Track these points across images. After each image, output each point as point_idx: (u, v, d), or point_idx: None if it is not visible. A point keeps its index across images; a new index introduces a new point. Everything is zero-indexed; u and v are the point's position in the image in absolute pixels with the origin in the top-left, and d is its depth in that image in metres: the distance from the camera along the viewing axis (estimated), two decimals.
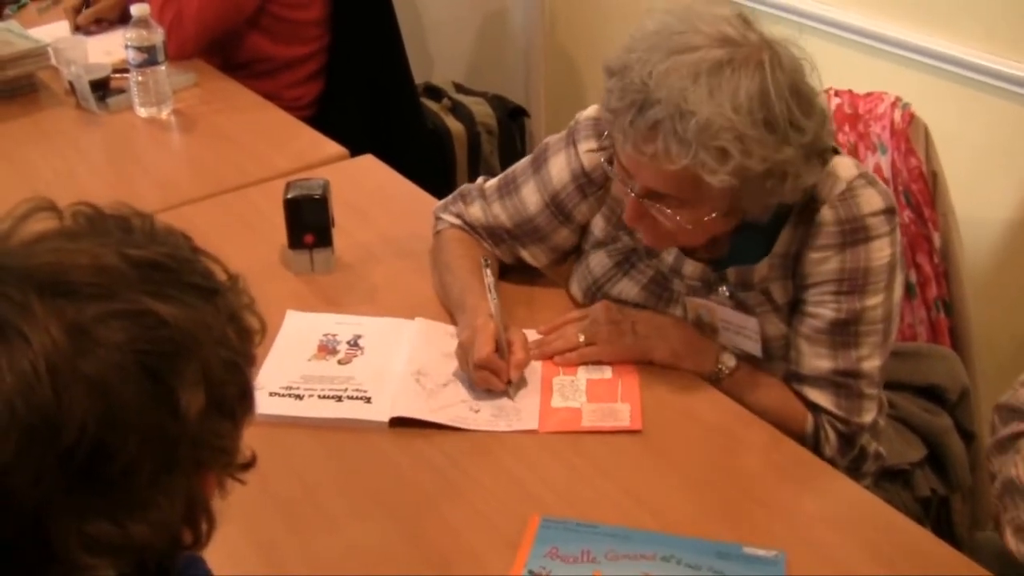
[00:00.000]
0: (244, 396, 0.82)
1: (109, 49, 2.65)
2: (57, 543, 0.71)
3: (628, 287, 1.68)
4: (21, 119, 2.45)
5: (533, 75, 3.76)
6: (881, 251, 1.49)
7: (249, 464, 0.85)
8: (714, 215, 1.46)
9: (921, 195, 2.10)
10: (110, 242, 0.77)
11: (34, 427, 0.69)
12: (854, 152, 2.16)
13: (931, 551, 1.33)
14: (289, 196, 1.81)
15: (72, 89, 2.48)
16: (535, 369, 1.60)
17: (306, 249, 1.83)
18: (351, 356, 1.64)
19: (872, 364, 1.54)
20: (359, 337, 1.68)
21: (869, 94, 2.20)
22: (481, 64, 3.90)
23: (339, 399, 1.55)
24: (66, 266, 0.74)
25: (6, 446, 0.68)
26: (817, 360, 1.54)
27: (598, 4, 3.40)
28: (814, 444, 1.55)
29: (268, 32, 2.75)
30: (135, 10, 2.34)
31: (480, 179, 1.82)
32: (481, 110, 3.47)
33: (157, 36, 2.36)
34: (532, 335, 1.65)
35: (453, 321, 1.68)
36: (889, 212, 1.50)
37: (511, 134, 3.51)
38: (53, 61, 2.55)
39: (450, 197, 1.83)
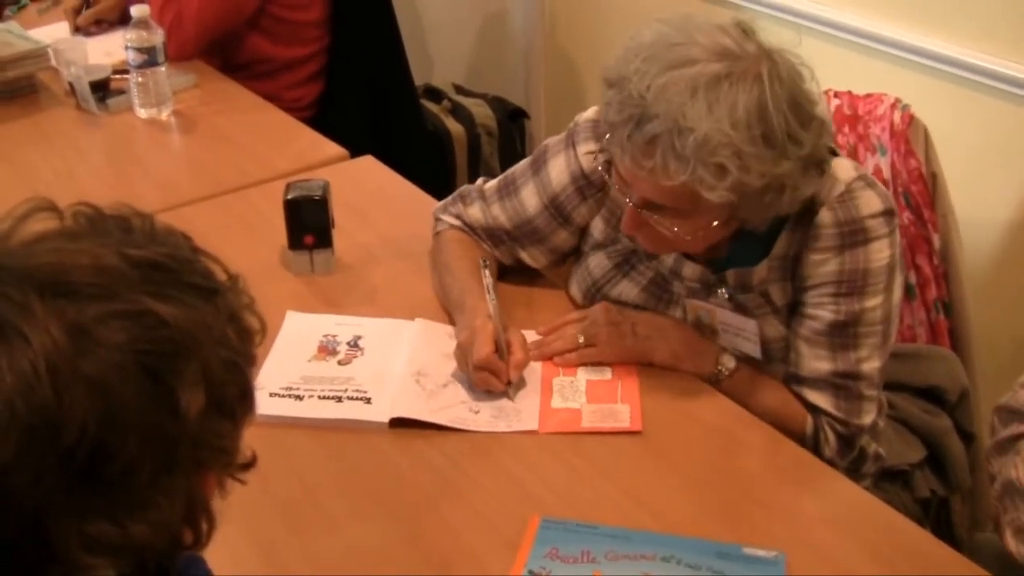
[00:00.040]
0: (244, 396, 0.82)
1: (109, 50, 2.65)
2: (57, 543, 0.71)
3: (628, 289, 1.68)
4: (21, 120, 2.45)
5: (533, 77, 3.76)
6: (880, 253, 1.49)
7: (249, 464, 0.85)
8: (712, 225, 1.46)
9: (921, 196, 2.11)
10: (110, 242, 0.77)
11: (34, 427, 0.69)
12: (854, 153, 2.16)
13: (931, 552, 1.33)
14: (289, 197, 1.81)
15: (72, 90, 2.48)
16: (535, 370, 1.60)
17: (306, 250, 1.83)
18: (351, 357, 1.64)
19: (871, 366, 1.54)
20: (359, 338, 1.68)
21: (868, 95, 2.20)
22: (481, 66, 3.90)
23: (339, 400, 1.55)
24: (66, 266, 0.74)
25: (6, 446, 0.68)
26: (816, 362, 1.54)
27: (598, 6, 3.40)
28: (814, 446, 1.55)
29: (268, 33, 2.75)
30: (135, 11, 2.34)
31: (480, 180, 1.82)
32: (481, 112, 3.47)
33: (157, 37, 2.36)
34: (531, 336, 1.65)
35: (453, 322, 1.68)
36: (888, 214, 1.50)
37: (511, 136, 3.51)
38: (53, 62, 2.55)
39: (449, 198, 1.83)
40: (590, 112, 1.67)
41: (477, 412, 1.53)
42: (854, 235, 1.48)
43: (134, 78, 2.40)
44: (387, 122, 2.97)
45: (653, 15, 1.46)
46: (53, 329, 0.70)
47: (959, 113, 2.33)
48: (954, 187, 2.14)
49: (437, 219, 1.83)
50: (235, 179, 2.19)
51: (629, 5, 3.21)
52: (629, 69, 1.39)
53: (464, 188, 1.82)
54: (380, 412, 1.52)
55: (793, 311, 1.57)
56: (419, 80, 3.35)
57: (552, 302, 1.77)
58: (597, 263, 1.70)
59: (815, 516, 1.39)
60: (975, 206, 2.30)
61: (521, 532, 1.32)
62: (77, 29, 2.83)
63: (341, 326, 1.71)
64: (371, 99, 2.93)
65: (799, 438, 1.54)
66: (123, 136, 2.41)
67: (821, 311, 1.52)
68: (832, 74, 2.05)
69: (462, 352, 1.56)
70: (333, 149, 2.32)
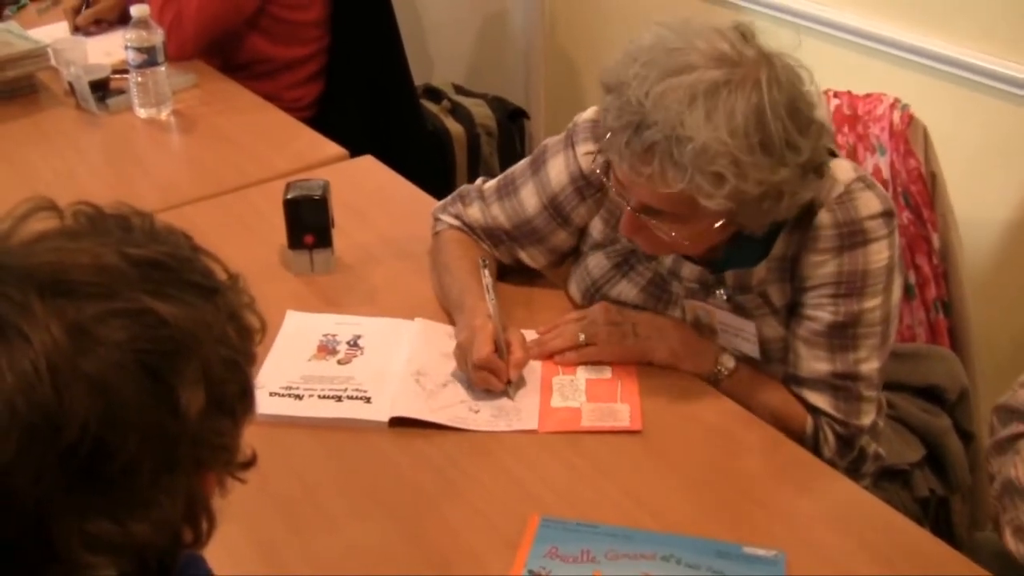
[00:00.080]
0: (244, 395, 0.82)
1: (109, 50, 2.65)
2: (58, 542, 0.71)
3: (627, 289, 1.68)
4: (21, 120, 2.45)
5: (533, 77, 3.76)
6: (879, 254, 1.49)
7: (249, 463, 0.85)
8: (710, 230, 1.47)
9: (920, 196, 2.11)
10: (110, 241, 0.77)
11: (35, 426, 0.69)
12: (853, 153, 2.16)
13: (930, 551, 1.33)
14: (289, 197, 1.81)
15: (72, 90, 2.48)
16: (535, 369, 1.60)
17: (306, 250, 1.84)
18: (351, 356, 1.64)
19: (870, 366, 1.54)
20: (359, 337, 1.68)
21: (868, 95, 2.20)
22: (481, 66, 3.90)
23: (339, 399, 1.55)
24: (66, 265, 0.74)
25: (7, 445, 0.68)
26: (815, 363, 1.54)
27: (598, 6, 3.40)
28: (813, 446, 1.56)
29: (268, 33, 2.75)
30: (135, 11, 2.34)
31: (479, 180, 1.82)
32: (481, 112, 3.47)
33: (157, 37, 2.36)
34: (531, 335, 1.65)
35: (452, 322, 1.68)
36: (887, 215, 1.50)
37: (511, 136, 3.51)
38: (53, 62, 2.55)
39: (449, 198, 1.83)
40: (589, 112, 1.67)
41: (477, 411, 1.53)
42: (853, 236, 1.48)
43: (134, 78, 2.40)
44: (387, 122, 2.97)
45: (653, 15, 1.46)
46: (53, 328, 0.70)
47: (959, 113, 2.33)
48: (953, 187, 2.14)
49: (436, 219, 1.83)
50: (235, 179, 2.19)
51: (629, 5, 3.21)
52: (628, 74, 1.39)
53: (463, 188, 1.82)
54: (380, 411, 1.52)
55: (792, 312, 1.57)
56: (419, 80, 3.35)
57: (551, 302, 1.77)
58: (596, 263, 1.70)
59: (815, 515, 1.39)
60: (975, 206, 2.30)
61: (521, 531, 1.32)
62: (76, 29, 2.83)
63: (341, 326, 1.71)
64: (371, 99, 2.93)
65: (798, 438, 1.54)
66: (123, 136, 2.41)
67: (820, 312, 1.52)
68: (831, 74, 2.06)
69: (462, 351, 1.56)
70: (333, 149, 2.32)
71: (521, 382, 1.58)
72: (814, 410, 1.56)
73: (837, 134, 2.15)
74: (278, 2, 2.71)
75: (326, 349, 1.66)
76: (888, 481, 1.73)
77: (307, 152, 2.31)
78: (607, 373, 1.60)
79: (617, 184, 1.49)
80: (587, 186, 1.67)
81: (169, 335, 0.74)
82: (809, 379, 1.56)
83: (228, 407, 0.79)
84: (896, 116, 2.13)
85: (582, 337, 1.61)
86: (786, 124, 1.36)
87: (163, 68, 2.40)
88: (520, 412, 1.53)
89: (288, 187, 1.83)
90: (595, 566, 1.27)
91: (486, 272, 1.63)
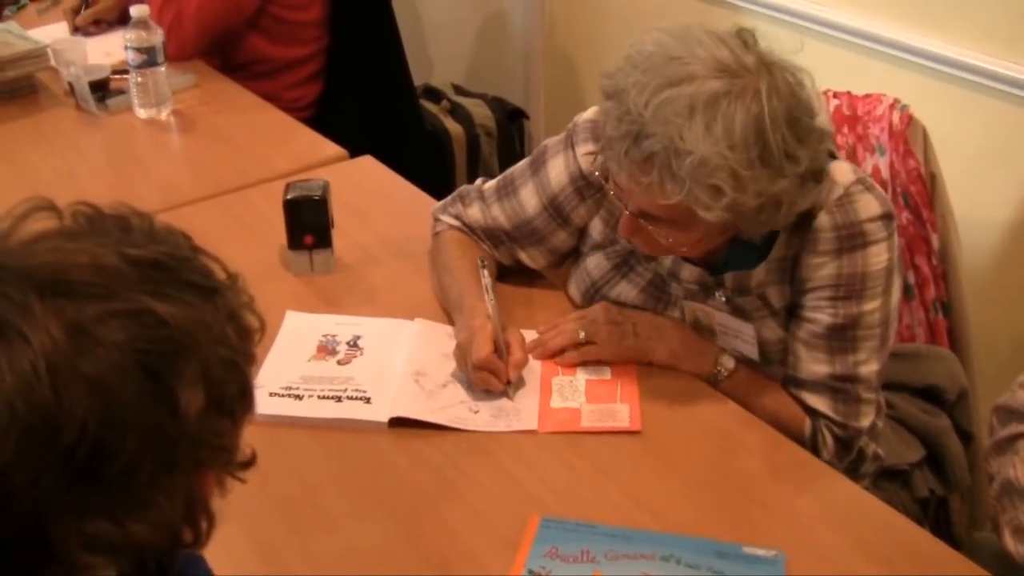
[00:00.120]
0: (244, 395, 0.82)
1: (108, 50, 2.65)
2: (57, 542, 0.71)
3: (626, 290, 1.68)
4: (21, 120, 2.45)
5: (532, 77, 3.76)
6: (878, 256, 1.49)
7: (249, 463, 0.85)
8: (708, 235, 1.47)
9: (919, 196, 2.11)
10: (109, 241, 0.77)
11: (34, 426, 0.69)
12: (852, 153, 2.16)
13: (930, 551, 1.33)
14: (288, 197, 1.81)
15: (71, 90, 2.48)
16: (534, 369, 1.60)
17: (305, 250, 1.84)
18: (350, 357, 1.64)
19: (869, 368, 1.54)
20: (358, 338, 1.68)
21: (867, 96, 2.20)
22: (480, 66, 3.90)
23: (338, 399, 1.55)
24: (66, 266, 0.74)
25: (6, 446, 0.68)
26: (815, 365, 1.54)
27: (597, 6, 3.40)
28: (811, 448, 1.55)
29: (267, 33, 2.75)
30: (134, 11, 2.34)
31: (479, 181, 1.82)
32: (480, 112, 3.47)
33: (156, 37, 2.36)
34: (531, 336, 1.65)
35: (452, 322, 1.68)
36: (886, 217, 1.50)
37: (510, 136, 3.51)
38: (52, 62, 2.55)
39: (449, 198, 1.83)
40: (589, 113, 1.67)
41: (476, 412, 1.53)
42: (852, 239, 1.48)
43: (133, 78, 2.40)
44: (386, 122, 2.97)
45: (651, 16, 1.47)
46: (52, 329, 0.70)
47: (958, 114, 2.33)
48: (953, 187, 2.14)
49: (436, 219, 1.83)
50: (235, 179, 2.19)
51: (628, 5, 3.21)
52: (628, 82, 1.38)
53: (463, 188, 1.82)
54: (379, 412, 1.52)
55: (791, 314, 1.57)
56: (418, 80, 3.35)
57: (551, 302, 1.77)
58: (596, 264, 1.70)
59: (814, 515, 1.39)
60: (974, 206, 2.30)
61: (521, 532, 1.32)
62: (76, 29, 2.83)
63: (340, 326, 1.71)
64: (370, 99, 2.93)
65: (797, 440, 1.54)
66: (123, 136, 2.41)
67: (819, 314, 1.52)
68: (831, 74, 2.06)
69: (461, 352, 1.56)
70: (332, 149, 2.32)
71: (521, 383, 1.58)
72: (813, 412, 1.56)
73: (836, 134, 2.15)
74: (278, 2, 2.71)
75: (326, 349, 1.66)
76: (888, 481, 1.73)
77: (307, 152, 2.31)
78: (607, 374, 1.61)
79: (616, 188, 1.50)
80: (587, 186, 1.67)
81: (168, 335, 0.74)
82: (808, 381, 1.56)
83: (227, 407, 0.79)
84: (895, 116, 2.13)
85: (582, 335, 1.61)
86: (785, 135, 1.36)
87: (163, 68, 2.40)
88: (520, 412, 1.53)
89: (288, 187, 1.83)
90: (595, 566, 1.27)
91: (485, 272, 1.63)
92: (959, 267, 2.15)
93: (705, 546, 1.29)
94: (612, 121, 1.40)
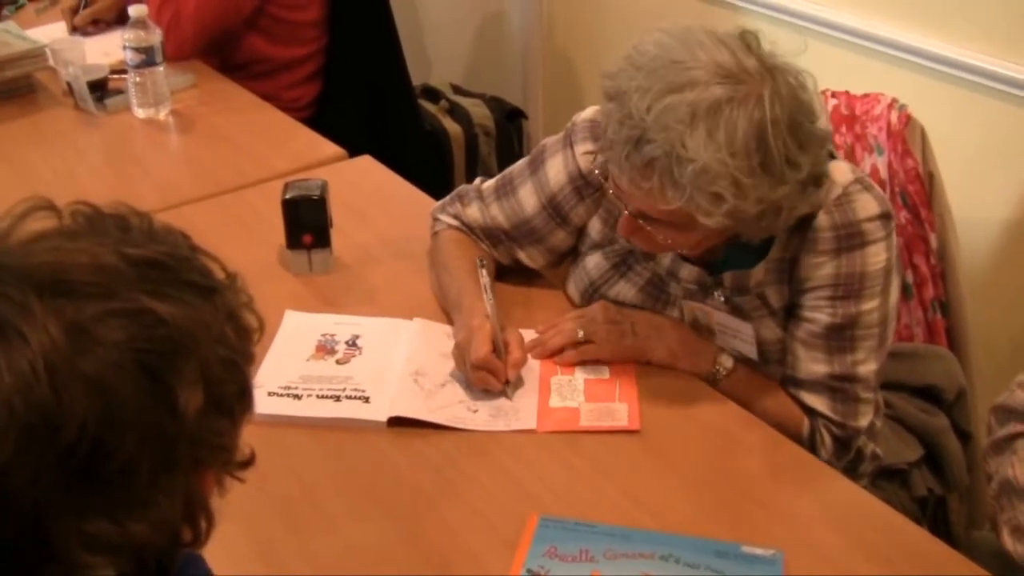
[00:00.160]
0: (243, 394, 0.82)
1: (107, 50, 2.65)
2: (56, 542, 0.71)
3: (625, 289, 1.68)
4: (20, 120, 2.45)
5: (531, 77, 3.76)
6: (877, 256, 1.49)
7: (248, 462, 0.85)
8: (707, 237, 1.48)
9: (918, 196, 2.11)
10: (108, 241, 0.77)
11: (33, 426, 0.69)
12: (851, 153, 2.17)
13: (928, 550, 1.33)
14: (287, 197, 1.81)
15: (70, 90, 2.48)
16: (533, 369, 1.60)
17: (304, 249, 1.84)
18: (349, 356, 1.64)
19: (868, 368, 1.54)
20: (357, 337, 1.68)
21: (866, 95, 2.21)
22: (479, 66, 3.90)
23: (337, 399, 1.55)
24: (65, 265, 0.74)
25: (5, 445, 0.68)
26: (813, 364, 1.54)
27: (596, 6, 3.40)
28: (810, 448, 1.55)
29: (266, 33, 2.75)
30: (133, 11, 2.34)
31: (477, 180, 1.82)
32: (479, 112, 3.47)
33: (155, 37, 2.36)
34: (530, 335, 1.65)
35: (451, 322, 1.68)
36: (885, 217, 1.50)
37: (509, 136, 3.51)
38: (51, 62, 2.55)
39: (448, 198, 1.83)
40: (588, 112, 1.67)
41: (475, 411, 1.53)
42: (851, 238, 1.48)
43: (132, 78, 2.40)
44: (385, 122, 2.97)
45: (650, 16, 1.46)
46: (52, 328, 0.70)
47: (957, 114, 2.33)
48: (952, 187, 2.14)
49: (435, 219, 1.83)
50: (233, 179, 2.19)
51: (627, 5, 3.21)
52: (630, 85, 1.38)
53: (462, 188, 1.82)
54: (378, 411, 1.52)
55: (790, 314, 1.57)
56: (417, 80, 3.35)
57: (550, 302, 1.77)
58: (594, 263, 1.70)
59: (813, 515, 1.39)
60: (973, 206, 2.31)
61: (520, 531, 1.32)
62: (74, 29, 2.83)
63: (339, 325, 1.71)
64: (369, 99, 2.93)
65: (796, 439, 1.54)
66: (121, 136, 2.41)
67: (818, 314, 1.52)
68: (830, 74, 2.06)
69: (460, 351, 1.56)
70: (331, 149, 2.32)
71: (519, 382, 1.58)
72: (811, 412, 1.56)
73: (835, 134, 2.16)
74: (276, 2, 2.71)
75: (325, 349, 1.66)
76: (886, 480, 1.73)
77: (305, 152, 2.31)
78: (605, 373, 1.61)
79: (616, 189, 1.50)
80: (585, 186, 1.67)
81: (167, 335, 0.74)
82: (807, 381, 1.56)
83: (226, 407, 0.79)
84: (894, 116, 2.13)
85: (581, 335, 1.61)
86: (787, 141, 1.36)
87: (161, 68, 2.40)
88: (518, 412, 1.53)
89: (286, 187, 1.83)
90: (594, 565, 1.27)
91: (483, 272, 1.63)
92: (957, 266, 2.15)
93: (704, 545, 1.29)
94: (614, 124, 1.40)
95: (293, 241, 1.83)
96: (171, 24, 2.57)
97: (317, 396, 1.56)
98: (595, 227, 1.70)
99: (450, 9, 3.86)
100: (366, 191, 2.13)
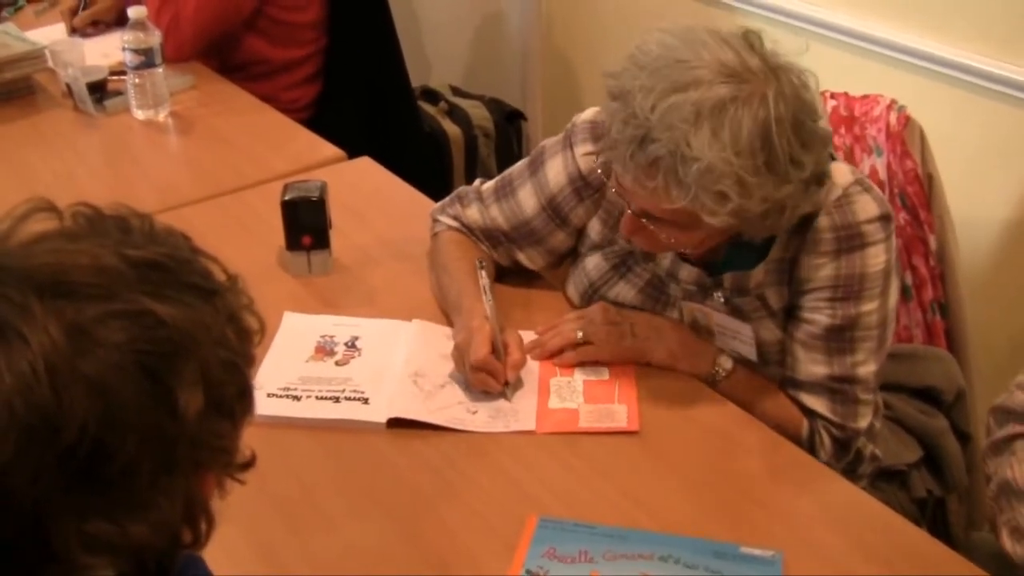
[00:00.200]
0: (243, 396, 0.82)
1: (106, 51, 2.65)
2: (56, 542, 0.71)
3: (625, 290, 1.68)
4: (19, 121, 2.45)
5: (530, 78, 3.76)
6: (876, 257, 1.50)
7: (248, 464, 0.86)
8: (709, 237, 1.48)
9: (917, 197, 2.11)
10: (109, 243, 0.77)
11: (33, 427, 0.69)
12: (850, 154, 2.17)
13: (927, 551, 1.33)
14: (286, 198, 1.81)
15: (69, 91, 2.48)
16: (532, 370, 1.61)
17: (303, 251, 1.84)
18: (348, 357, 1.64)
19: (867, 369, 1.54)
20: (356, 339, 1.68)
21: (865, 96, 2.21)
22: (478, 67, 3.90)
23: (337, 400, 1.55)
24: (66, 267, 0.74)
25: (5, 446, 0.68)
26: (813, 366, 1.55)
27: (595, 7, 3.41)
28: (809, 449, 1.55)
29: (265, 35, 2.75)
30: (132, 12, 2.34)
31: (477, 181, 1.82)
32: (478, 113, 3.47)
33: (154, 38, 2.36)
34: (529, 336, 1.65)
35: (450, 323, 1.68)
36: (884, 219, 1.50)
37: (508, 137, 3.51)
38: (50, 63, 2.55)
39: (447, 199, 1.83)
40: (588, 113, 1.67)
41: (475, 412, 1.53)
42: (851, 240, 1.49)
43: (131, 79, 2.40)
44: (384, 123, 2.97)
45: (649, 17, 1.46)
46: (52, 329, 0.70)
47: (956, 115, 2.33)
48: (951, 188, 2.15)
49: (435, 220, 1.83)
50: (232, 180, 2.19)
51: (626, 6, 3.21)
52: (634, 84, 1.38)
53: (462, 189, 1.82)
54: (378, 412, 1.52)
55: (789, 315, 1.58)
56: (416, 82, 3.35)
57: (549, 303, 1.77)
58: (594, 264, 1.70)
59: (813, 516, 1.39)
60: (972, 207, 2.31)
61: (519, 532, 1.32)
62: (74, 30, 2.83)
63: (339, 327, 1.71)
64: (368, 100, 2.93)
65: (795, 441, 1.54)
66: (120, 137, 2.41)
67: (817, 315, 1.53)
68: (828, 75, 2.05)
69: (459, 353, 1.56)
70: (330, 150, 2.32)
71: (519, 383, 1.58)
72: (810, 413, 1.56)
73: (834, 135, 2.16)
74: (275, 4, 2.71)
75: (324, 350, 1.66)
76: (885, 482, 1.73)
77: (305, 153, 2.31)
78: (604, 374, 1.61)
79: (618, 187, 1.50)
80: (585, 187, 1.67)
81: (168, 336, 0.74)
82: (806, 382, 1.56)
83: (227, 408, 0.80)
84: (893, 117, 2.13)
85: (580, 336, 1.61)
86: (791, 140, 1.36)
87: (161, 70, 2.40)
88: (518, 413, 1.53)
89: (286, 188, 1.83)
90: (593, 566, 1.27)
91: (483, 273, 1.63)
92: (956, 268, 2.15)
93: (703, 546, 1.29)
94: (617, 123, 1.40)
95: (292, 242, 1.83)
96: (170, 26, 2.57)
97: (316, 397, 1.56)
98: (595, 228, 1.70)
99: (449, 10, 3.86)
100: (365, 192, 2.13)
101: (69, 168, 2.27)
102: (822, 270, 1.51)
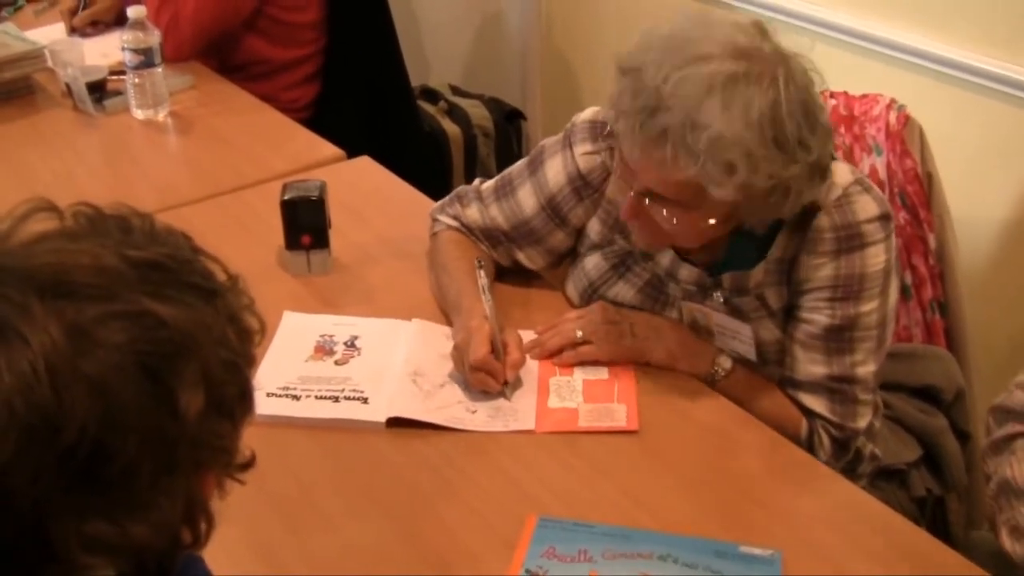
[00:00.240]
0: (243, 396, 0.82)
1: (106, 51, 2.65)
2: (56, 543, 0.71)
3: (624, 290, 1.68)
4: (19, 121, 2.45)
5: (529, 78, 3.76)
6: (876, 257, 1.50)
7: (248, 464, 0.86)
8: (711, 222, 1.47)
9: (916, 196, 2.11)
10: (110, 243, 0.77)
11: (33, 427, 0.69)
12: (849, 154, 2.17)
13: (927, 550, 1.33)
14: (286, 197, 1.81)
15: (69, 91, 2.48)
16: (531, 370, 1.61)
17: (303, 250, 1.84)
18: (348, 357, 1.64)
19: (867, 369, 1.54)
20: (356, 338, 1.68)
21: (864, 96, 2.21)
22: (477, 67, 3.90)
23: (336, 400, 1.55)
24: (67, 267, 0.74)
25: (5, 446, 0.68)
26: (812, 366, 1.55)
27: (594, 7, 3.41)
28: (809, 448, 1.56)
29: (265, 34, 2.75)
30: (131, 12, 2.34)
31: (476, 181, 1.82)
32: (477, 112, 3.47)
33: (154, 38, 2.36)
34: (528, 336, 1.65)
35: (450, 322, 1.68)
36: (884, 218, 1.50)
37: (507, 137, 3.51)
38: (50, 63, 2.55)
39: (447, 199, 1.83)
40: (587, 113, 1.68)
41: (474, 412, 1.53)
42: (850, 240, 1.49)
43: (131, 79, 2.40)
44: (384, 123, 2.97)
45: (648, 17, 1.46)
46: (52, 330, 0.70)
47: (956, 115, 2.33)
48: (951, 188, 2.15)
49: (434, 220, 1.83)
50: (232, 180, 2.19)
51: (625, 7, 3.21)
52: (646, 59, 1.39)
53: (461, 189, 1.82)
54: (377, 412, 1.52)
55: (789, 315, 1.58)
56: (415, 81, 3.35)
57: (548, 303, 1.77)
58: (593, 264, 1.70)
59: (812, 515, 1.39)
60: (972, 207, 2.31)
61: (518, 531, 1.32)
62: (73, 30, 2.82)
63: (338, 326, 1.71)
64: (368, 100, 2.93)
65: (794, 440, 1.54)
66: (120, 137, 2.41)
67: (817, 315, 1.53)
68: (828, 75, 2.05)
69: (459, 353, 1.56)
70: (330, 150, 2.32)
71: (518, 383, 1.58)
72: (810, 413, 1.56)
73: (834, 134, 2.16)
74: (275, 3, 2.71)
75: (323, 350, 1.66)
76: (885, 481, 1.73)
77: (304, 153, 2.31)
78: (604, 374, 1.61)
79: (622, 168, 1.49)
80: (585, 186, 1.67)
81: (168, 337, 0.74)
82: (805, 382, 1.56)
83: (227, 409, 0.80)
84: (892, 117, 2.14)
85: (579, 335, 1.61)
86: (799, 122, 1.37)
87: (160, 69, 2.40)
88: (517, 413, 1.53)
89: (285, 188, 1.83)
90: (592, 566, 1.27)
91: (482, 273, 1.63)
92: (956, 267, 2.15)
93: (702, 545, 1.29)
94: (627, 96, 1.40)
95: (292, 242, 1.83)
96: (170, 25, 2.57)
97: (316, 397, 1.56)
98: (594, 228, 1.70)
99: (448, 10, 3.86)
100: (365, 192, 2.13)
101: (68, 168, 2.27)
102: (822, 270, 1.51)
